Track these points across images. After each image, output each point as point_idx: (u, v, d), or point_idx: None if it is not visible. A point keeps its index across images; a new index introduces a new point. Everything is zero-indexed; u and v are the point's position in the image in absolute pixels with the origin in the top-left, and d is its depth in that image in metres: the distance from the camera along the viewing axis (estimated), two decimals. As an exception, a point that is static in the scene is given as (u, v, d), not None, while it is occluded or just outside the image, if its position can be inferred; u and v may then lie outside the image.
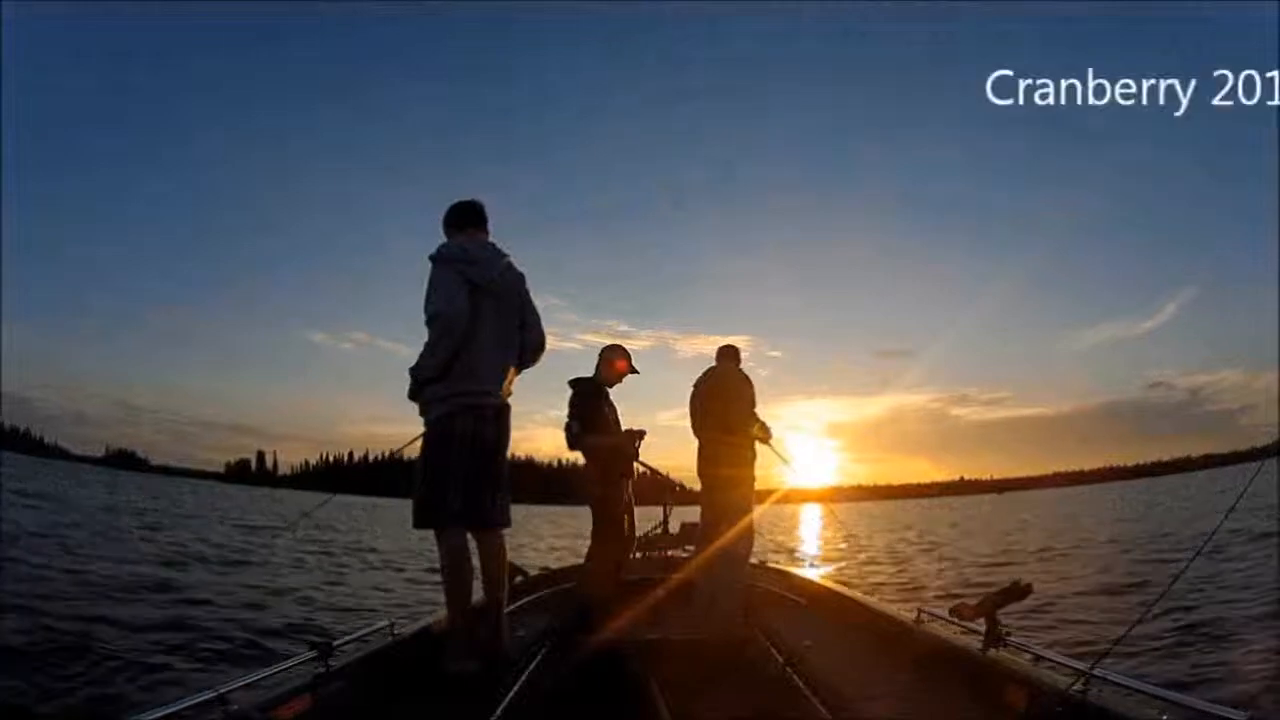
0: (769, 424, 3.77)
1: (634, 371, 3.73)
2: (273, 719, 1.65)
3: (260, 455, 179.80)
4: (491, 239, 2.58)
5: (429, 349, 2.33)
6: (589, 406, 3.53)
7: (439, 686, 2.21)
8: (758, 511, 3.57)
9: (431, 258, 2.38)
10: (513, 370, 2.50)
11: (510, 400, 2.51)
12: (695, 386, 3.75)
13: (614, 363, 3.69)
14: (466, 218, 2.53)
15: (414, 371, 2.37)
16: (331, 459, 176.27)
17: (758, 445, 3.70)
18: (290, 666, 1.94)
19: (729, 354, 3.83)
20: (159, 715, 1.44)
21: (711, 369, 3.79)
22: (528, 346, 2.55)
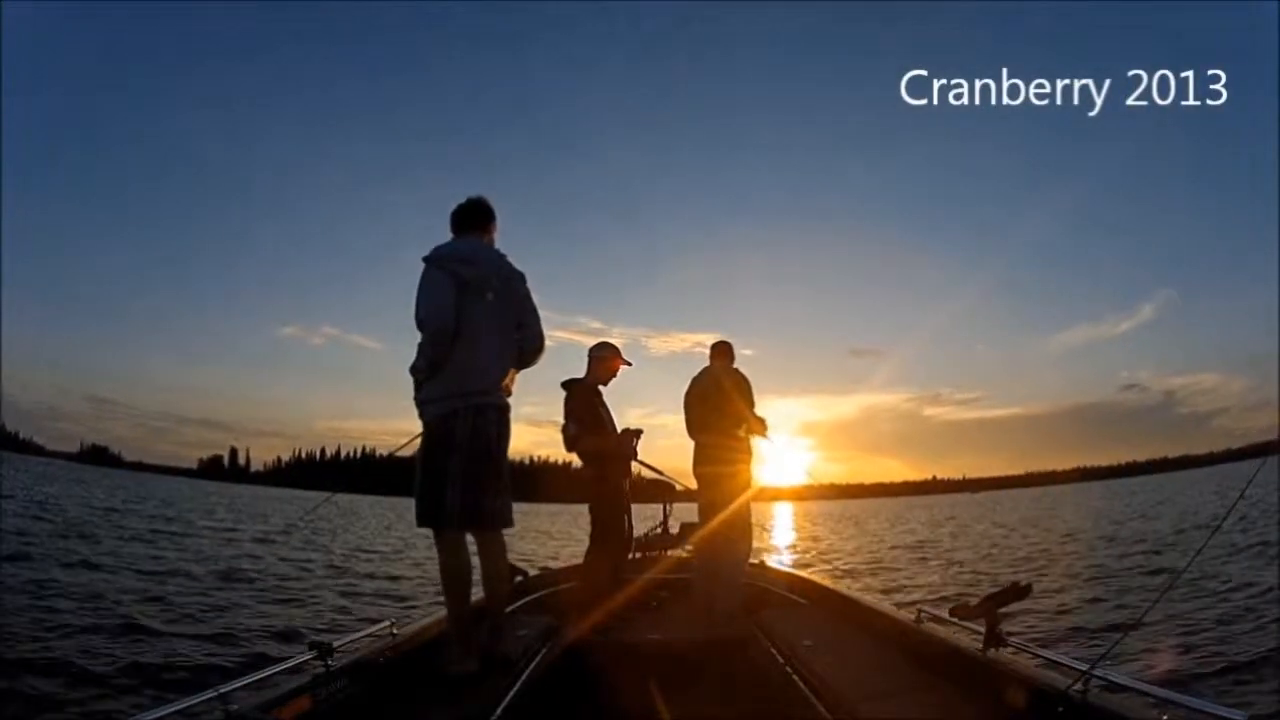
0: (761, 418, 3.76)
1: (627, 364, 3.70)
2: (273, 719, 1.65)
3: (233, 451, 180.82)
4: (495, 235, 2.58)
5: (419, 351, 2.36)
6: (586, 407, 3.52)
7: (439, 686, 2.21)
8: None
9: (424, 259, 2.38)
10: (512, 370, 2.49)
11: (510, 400, 2.51)
12: (691, 386, 3.74)
13: (609, 361, 3.65)
14: (467, 220, 2.53)
15: (411, 372, 2.39)
16: (304, 455, 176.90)
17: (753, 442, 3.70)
18: (290, 666, 1.94)
19: (722, 351, 3.80)
20: (159, 715, 1.44)
21: (706, 368, 3.77)
22: (527, 346, 2.53)
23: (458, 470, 2.31)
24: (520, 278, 2.52)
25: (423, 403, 2.38)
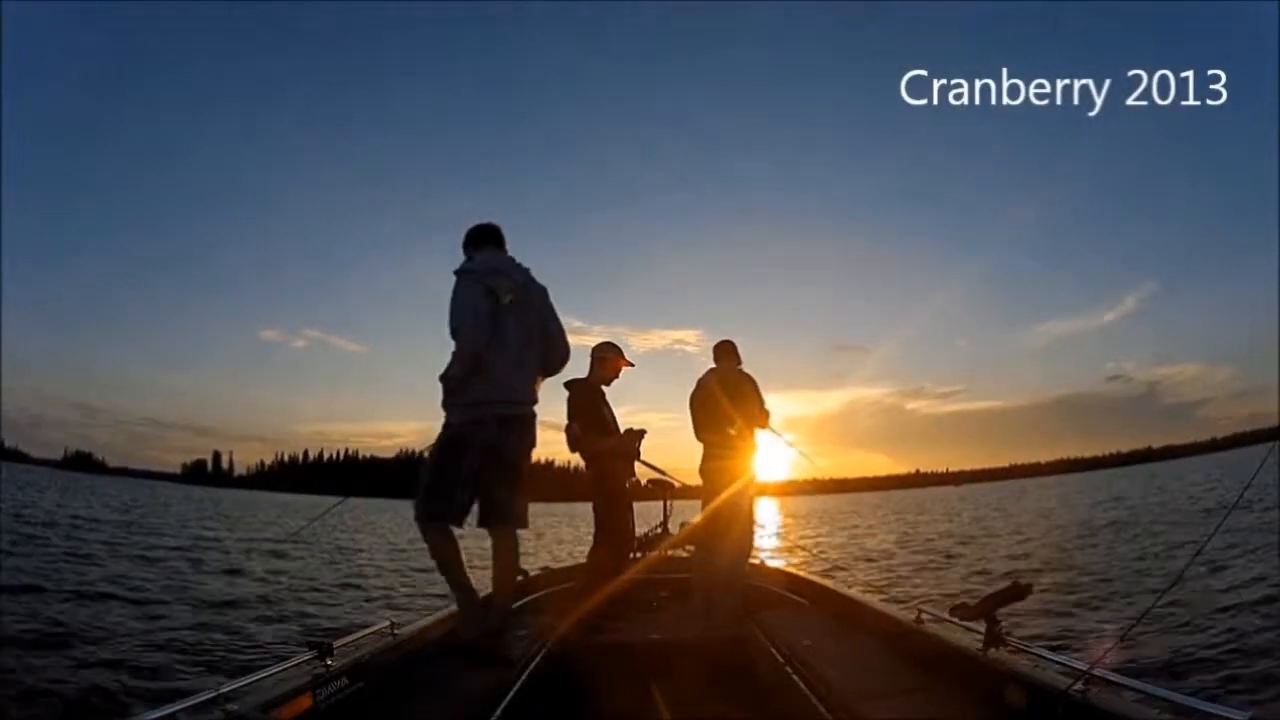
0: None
1: (629, 365, 3.70)
2: (273, 719, 1.65)
3: (216, 456, 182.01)
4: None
5: (454, 360, 2.42)
6: (589, 407, 3.51)
7: (439, 686, 2.21)
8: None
9: (456, 272, 2.47)
10: (538, 379, 2.57)
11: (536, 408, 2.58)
12: (698, 386, 3.73)
13: (612, 361, 3.65)
14: (485, 237, 2.64)
15: (442, 379, 2.44)
16: (287, 458, 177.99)
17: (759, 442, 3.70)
18: (290, 666, 1.94)
19: (729, 352, 3.79)
20: (159, 715, 1.44)
21: (713, 369, 3.77)
22: (553, 356, 2.62)
23: (472, 472, 2.36)
24: (544, 291, 2.63)
25: (450, 406, 2.44)
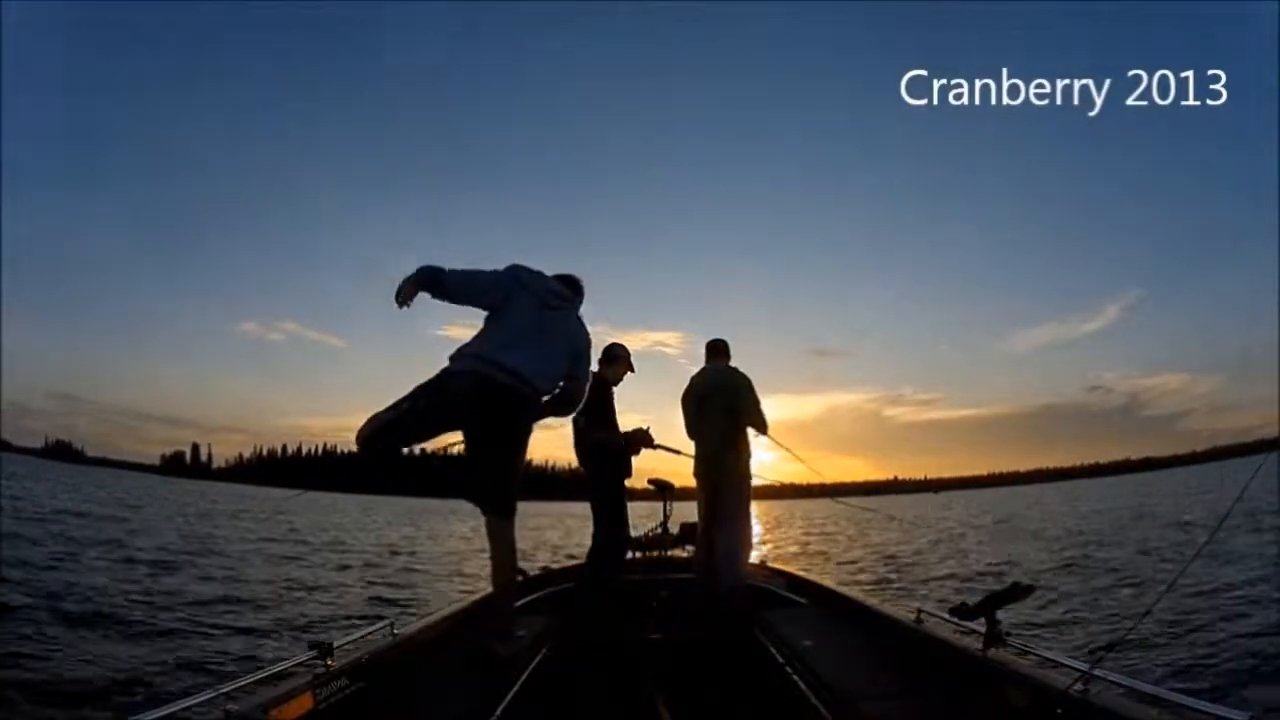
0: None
1: (631, 371, 3.71)
2: (273, 719, 1.65)
3: (195, 448, 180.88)
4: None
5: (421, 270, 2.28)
6: (598, 402, 3.50)
7: (439, 686, 2.21)
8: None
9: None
10: (542, 380, 2.48)
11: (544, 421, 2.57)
12: (692, 386, 3.73)
13: (626, 362, 3.66)
14: (564, 279, 2.69)
15: (399, 294, 2.24)
16: (265, 452, 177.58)
17: (756, 443, 3.69)
18: (290, 666, 1.94)
19: (721, 351, 3.80)
20: (159, 715, 1.44)
21: (704, 369, 3.78)
22: (573, 391, 2.64)
23: (439, 405, 2.27)
24: (588, 341, 2.66)
25: (453, 358, 2.37)
